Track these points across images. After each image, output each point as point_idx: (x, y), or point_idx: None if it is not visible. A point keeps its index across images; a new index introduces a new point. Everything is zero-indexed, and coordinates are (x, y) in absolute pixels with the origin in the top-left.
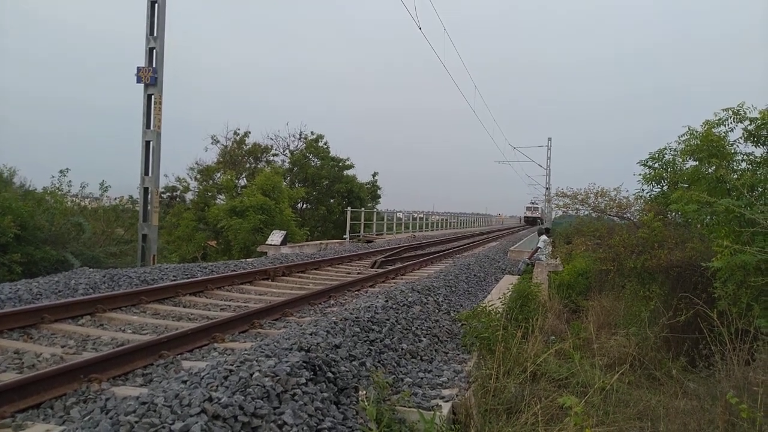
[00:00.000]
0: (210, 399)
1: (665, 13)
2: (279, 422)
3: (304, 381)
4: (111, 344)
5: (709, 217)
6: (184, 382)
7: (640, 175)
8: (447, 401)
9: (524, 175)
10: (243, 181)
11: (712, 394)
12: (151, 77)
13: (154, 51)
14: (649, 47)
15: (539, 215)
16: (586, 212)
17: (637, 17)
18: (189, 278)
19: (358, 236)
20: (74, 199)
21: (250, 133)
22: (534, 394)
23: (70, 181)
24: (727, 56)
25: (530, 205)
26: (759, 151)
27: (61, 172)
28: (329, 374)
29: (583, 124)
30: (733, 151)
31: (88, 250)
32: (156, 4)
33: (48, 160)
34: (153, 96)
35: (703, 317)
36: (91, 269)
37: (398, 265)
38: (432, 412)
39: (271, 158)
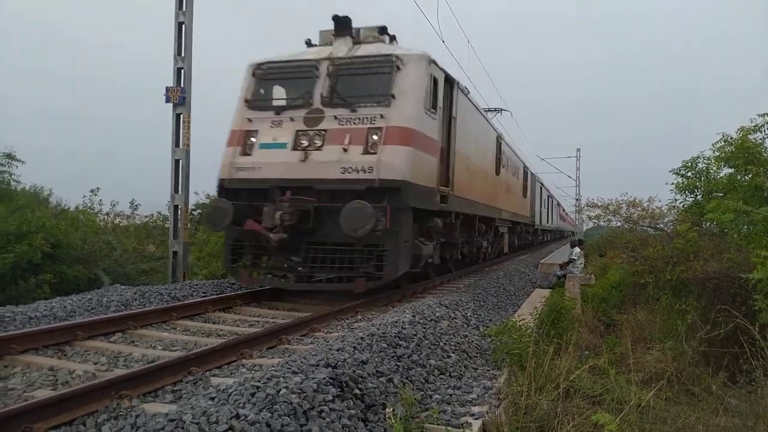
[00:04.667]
0: (237, 416)
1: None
2: None
3: (331, 398)
4: (142, 361)
5: (746, 227)
6: (212, 398)
7: (672, 184)
8: (477, 419)
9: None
10: None
11: (755, 412)
12: (179, 97)
13: (182, 71)
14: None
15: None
16: (619, 223)
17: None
18: (218, 294)
19: None
20: (105, 217)
21: None
22: (567, 411)
23: (101, 199)
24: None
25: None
26: None
27: (92, 191)
28: (356, 391)
29: (614, 125)
30: None
31: (119, 267)
32: (183, 26)
33: (80, 177)
34: (181, 115)
35: (744, 331)
36: (123, 286)
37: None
38: (461, 430)
39: None
